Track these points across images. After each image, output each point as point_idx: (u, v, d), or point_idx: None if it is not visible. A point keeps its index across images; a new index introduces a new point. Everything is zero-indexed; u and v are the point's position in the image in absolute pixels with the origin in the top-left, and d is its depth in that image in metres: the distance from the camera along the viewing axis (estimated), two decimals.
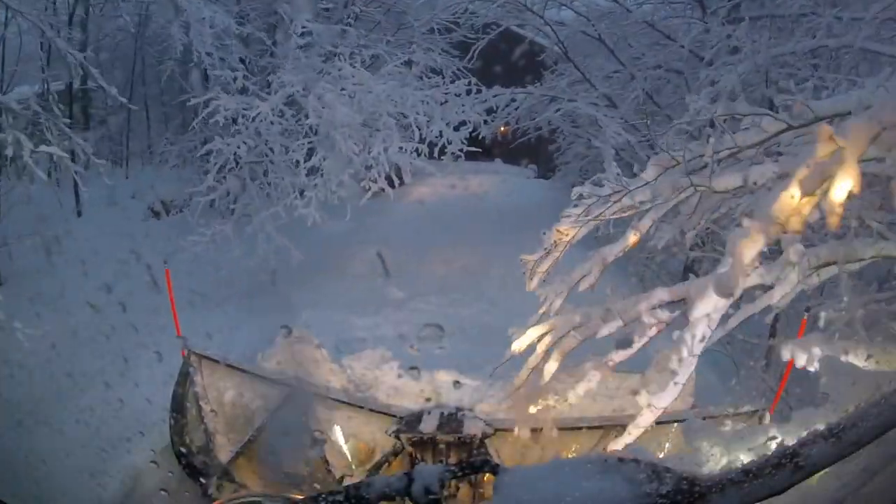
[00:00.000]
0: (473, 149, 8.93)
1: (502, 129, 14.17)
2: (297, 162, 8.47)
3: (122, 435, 5.46)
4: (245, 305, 9.56)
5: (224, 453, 4.16)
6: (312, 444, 4.01)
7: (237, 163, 9.69)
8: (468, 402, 4.25)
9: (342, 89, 8.25)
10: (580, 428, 4.07)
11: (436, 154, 9.02)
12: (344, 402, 4.19)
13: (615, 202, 4.89)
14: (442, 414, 4.05)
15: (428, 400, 4.32)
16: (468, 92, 9.50)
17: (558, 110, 11.92)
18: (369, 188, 8.34)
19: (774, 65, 9.06)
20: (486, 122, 10.94)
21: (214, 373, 4.34)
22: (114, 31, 20.45)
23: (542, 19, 11.78)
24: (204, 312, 8.59)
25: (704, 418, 3.69)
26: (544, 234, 5.83)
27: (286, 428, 4.17)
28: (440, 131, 8.60)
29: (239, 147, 9.01)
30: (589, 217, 5.12)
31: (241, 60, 12.95)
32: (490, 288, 9.81)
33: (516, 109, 12.73)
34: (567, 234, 4.98)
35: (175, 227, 11.81)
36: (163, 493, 3.94)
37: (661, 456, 3.77)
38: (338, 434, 4.19)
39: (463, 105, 9.17)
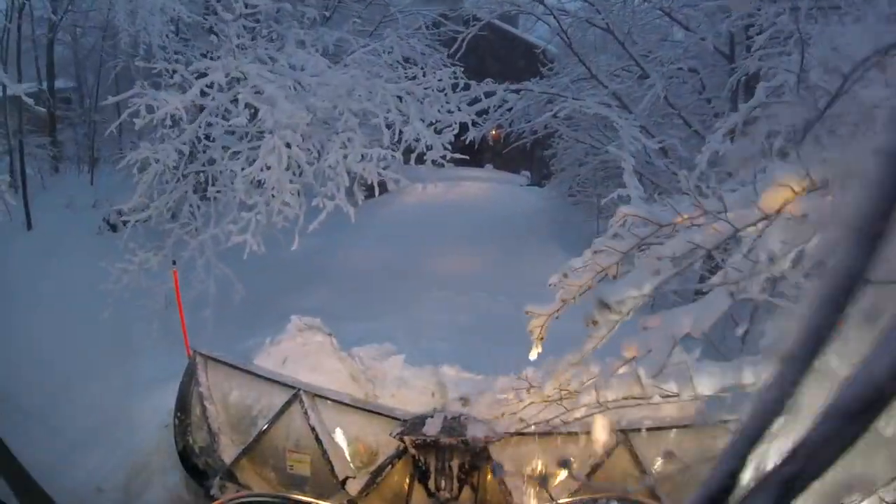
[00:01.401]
0: (459, 155, 6.70)
1: (494, 132, 12.02)
2: (235, 174, 6.26)
3: (122, 435, 5.18)
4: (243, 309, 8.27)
5: (228, 454, 3.94)
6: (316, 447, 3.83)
7: (173, 174, 7.52)
8: (472, 394, 3.97)
9: (293, 80, 6.08)
10: (580, 433, 3.59)
11: (412, 161, 6.81)
12: (347, 405, 3.91)
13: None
14: (446, 417, 3.74)
15: (432, 395, 4.09)
16: (454, 87, 7.31)
17: (556, 114, 9.84)
18: (323, 206, 6.15)
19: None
20: (475, 124, 8.79)
21: (219, 373, 4.13)
22: (85, 29, 18.43)
23: (542, 5, 9.61)
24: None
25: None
26: (560, 279, 3.76)
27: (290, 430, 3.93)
28: (418, 133, 6.39)
29: (169, 155, 6.82)
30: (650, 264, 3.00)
31: (204, 55, 10.79)
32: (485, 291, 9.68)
33: (509, 111, 10.61)
34: (621, 314, 2.85)
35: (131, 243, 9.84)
36: (163, 492, 4.11)
37: (660, 462, 3.43)
38: (340, 436, 3.94)
39: (447, 102, 6.97)
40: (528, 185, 19.22)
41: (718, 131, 5.88)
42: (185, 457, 3.94)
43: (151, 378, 6.38)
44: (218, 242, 6.95)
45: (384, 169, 6.47)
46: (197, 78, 7.36)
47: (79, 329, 8.24)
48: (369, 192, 6.94)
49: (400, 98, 6.72)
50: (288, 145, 5.73)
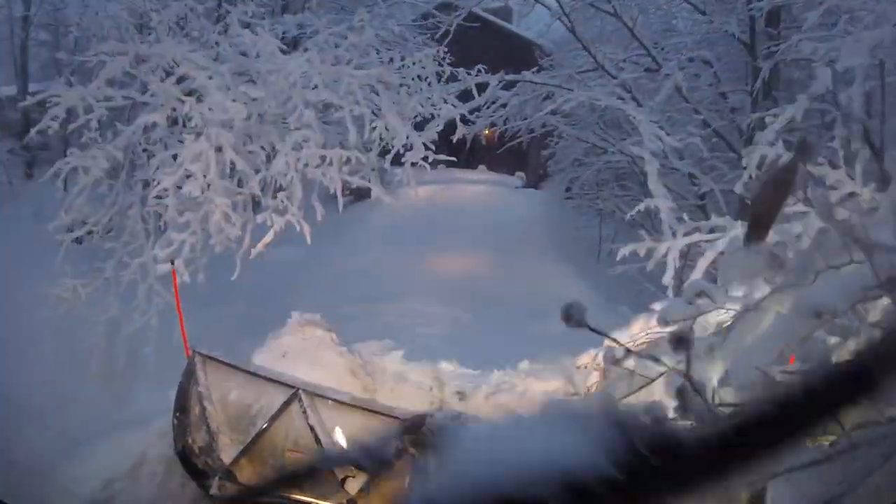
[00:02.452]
0: (445, 157, 5.23)
1: (487, 132, 10.58)
2: (160, 186, 4.80)
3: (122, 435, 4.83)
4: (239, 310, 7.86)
5: (227, 454, 3.76)
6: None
7: (111, 185, 6.13)
8: (468, 389, 3.88)
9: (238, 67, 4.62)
10: None
11: (387, 163, 5.31)
12: (346, 404, 3.67)
13: None
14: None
15: (430, 390, 3.95)
16: (439, 78, 5.86)
17: (556, 111, 8.47)
18: (271, 223, 4.68)
19: None
20: (467, 121, 7.37)
21: (219, 373, 3.91)
22: (66, 29, 16.99)
23: None
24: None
25: None
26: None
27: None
28: (394, 131, 4.91)
29: (99, 164, 5.40)
30: None
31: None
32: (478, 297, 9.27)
33: (504, 107, 9.20)
34: None
35: (90, 256, 8.49)
36: (163, 492, 4.07)
37: None
38: (340, 435, 3.70)
39: (430, 96, 5.51)
40: (522, 187, 17.82)
41: (770, 128, 4.45)
42: (185, 457, 3.80)
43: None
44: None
45: (353, 174, 5.02)
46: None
47: (6, 372, 6.75)
48: (355, 196, 5.50)
49: (377, 93, 5.25)
50: (225, 148, 4.28)
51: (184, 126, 4.69)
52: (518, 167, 18.24)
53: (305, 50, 5.01)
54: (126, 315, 6.47)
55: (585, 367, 3.12)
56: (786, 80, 9.17)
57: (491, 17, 16.32)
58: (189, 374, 3.92)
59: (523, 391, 3.74)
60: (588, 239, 13.41)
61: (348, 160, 4.65)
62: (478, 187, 16.41)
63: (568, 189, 13.59)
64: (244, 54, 5.26)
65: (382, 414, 3.67)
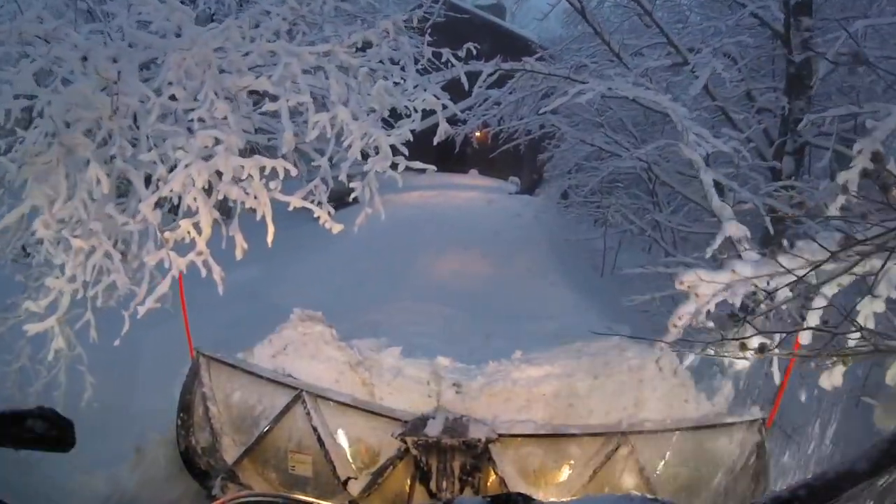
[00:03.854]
0: (421, 164, 3.67)
1: (479, 133, 9.11)
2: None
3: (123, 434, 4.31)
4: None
5: (230, 455, 3.67)
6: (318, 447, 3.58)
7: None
8: (464, 380, 3.69)
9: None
10: (581, 435, 3.36)
11: (343, 174, 3.73)
12: (349, 405, 3.58)
13: None
14: (447, 418, 3.44)
15: (427, 384, 3.71)
16: (416, 62, 4.33)
17: (556, 111, 7.03)
18: (169, 264, 3.20)
19: None
20: (457, 122, 5.87)
21: (222, 374, 3.81)
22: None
23: None
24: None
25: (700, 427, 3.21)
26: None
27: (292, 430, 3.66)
28: (350, 129, 3.37)
29: None
30: None
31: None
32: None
33: (497, 105, 7.74)
34: None
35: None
36: (163, 492, 3.91)
37: (661, 465, 3.18)
38: (342, 437, 3.60)
39: (403, 79, 3.96)
40: (517, 192, 16.33)
41: (869, 137, 2.91)
42: (188, 457, 3.63)
43: None
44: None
45: (294, 188, 3.51)
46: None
47: None
48: (336, 203, 3.99)
49: (318, 70, 3.66)
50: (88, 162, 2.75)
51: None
52: (513, 171, 16.81)
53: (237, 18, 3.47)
54: (34, 367, 5.00)
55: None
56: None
57: (485, 15, 14.87)
58: (193, 375, 3.77)
59: (517, 378, 3.55)
60: (590, 250, 11.90)
61: (274, 170, 3.12)
62: (470, 193, 14.89)
63: (565, 196, 12.12)
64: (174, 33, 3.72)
65: (385, 416, 3.56)
